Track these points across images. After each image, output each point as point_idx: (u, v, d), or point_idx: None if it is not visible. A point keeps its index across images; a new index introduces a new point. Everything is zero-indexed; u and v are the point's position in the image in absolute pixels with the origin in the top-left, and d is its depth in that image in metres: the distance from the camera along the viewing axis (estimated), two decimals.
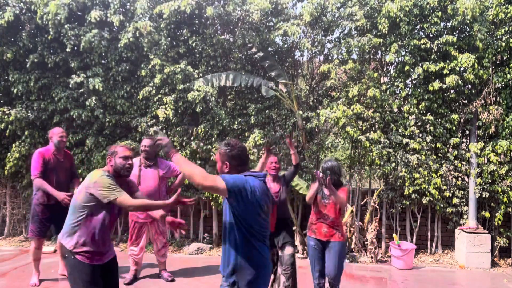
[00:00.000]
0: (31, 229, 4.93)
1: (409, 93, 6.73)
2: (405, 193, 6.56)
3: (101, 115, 6.76)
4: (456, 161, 6.54)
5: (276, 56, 7.24)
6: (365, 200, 6.88)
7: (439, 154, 6.62)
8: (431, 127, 6.49)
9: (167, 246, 5.43)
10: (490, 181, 6.39)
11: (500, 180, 6.35)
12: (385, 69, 7.12)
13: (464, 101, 6.74)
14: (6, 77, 7.10)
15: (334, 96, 7.06)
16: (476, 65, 6.20)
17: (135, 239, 5.17)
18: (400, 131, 6.58)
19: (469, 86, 6.61)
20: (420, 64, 6.42)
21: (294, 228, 4.96)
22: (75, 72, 6.83)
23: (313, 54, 7.31)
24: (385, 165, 6.50)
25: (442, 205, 6.52)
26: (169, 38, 6.88)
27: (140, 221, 5.12)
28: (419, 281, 5.63)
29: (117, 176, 3.14)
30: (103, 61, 7.04)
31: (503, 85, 6.45)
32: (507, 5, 6.28)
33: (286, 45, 7.15)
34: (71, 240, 3.00)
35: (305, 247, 6.59)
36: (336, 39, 7.15)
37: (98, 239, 3.03)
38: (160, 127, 6.87)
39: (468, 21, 6.23)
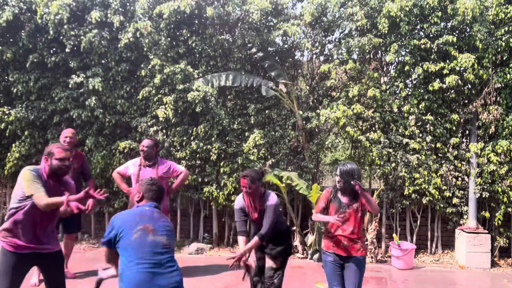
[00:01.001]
0: None
1: (409, 93, 6.73)
2: (405, 193, 6.56)
3: (101, 115, 6.76)
4: (456, 161, 6.54)
5: (276, 57, 7.24)
6: None
7: (439, 154, 6.62)
8: (431, 127, 6.49)
9: None
10: (490, 181, 6.39)
11: (500, 180, 6.35)
12: (385, 69, 7.12)
13: (464, 101, 6.74)
14: (6, 77, 7.10)
15: (334, 96, 7.06)
16: (476, 65, 6.20)
17: None
18: (400, 131, 6.58)
19: (469, 86, 6.61)
20: (420, 64, 6.42)
21: (293, 241, 3.93)
22: (75, 72, 6.83)
23: (314, 55, 7.32)
24: (385, 165, 6.50)
25: (442, 205, 6.52)
26: (169, 38, 6.88)
27: None
28: (419, 281, 5.62)
29: (53, 175, 3.23)
30: (103, 61, 7.04)
31: (503, 85, 6.45)
32: (507, 5, 6.28)
33: (286, 45, 7.15)
34: (1, 227, 3.16)
35: (305, 247, 6.59)
36: (337, 39, 7.15)
37: (23, 232, 3.10)
38: (160, 127, 6.87)
39: (468, 21, 6.23)
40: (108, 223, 7.75)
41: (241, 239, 3.69)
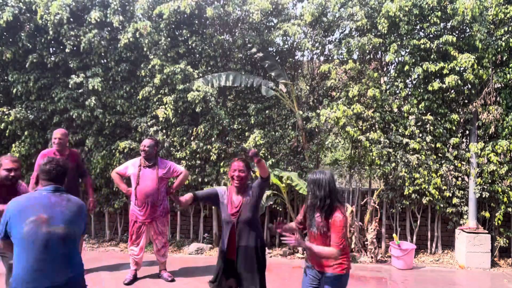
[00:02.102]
0: None
1: (409, 93, 6.73)
2: (405, 193, 6.56)
3: (101, 115, 6.75)
4: (456, 161, 6.54)
5: (277, 57, 7.24)
6: (365, 200, 6.88)
7: (439, 154, 6.62)
8: (431, 127, 6.49)
9: (167, 246, 5.43)
10: (490, 181, 6.39)
11: (500, 180, 6.35)
12: (385, 69, 7.12)
13: (464, 101, 6.74)
14: (5, 77, 7.09)
15: (334, 96, 7.06)
16: (475, 65, 6.20)
17: (135, 238, 5.18)
18: (400, 131, 6.58)
19: (469, 86, 6.61)
20: (420, 64, 6.42)
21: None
22: (75, 72, 6.82)
23: (314, 55, 7.32)
24: (385, 165, 6.50)
25: (442, 205, 6.52)
26: (169, 38, 6.88)
27: (139, 221, 5.13)
28: (419, 281, 5.62)
29: (3, 185, 3.53)
30: (102, 61, 7.03)
31: (503, 85, 6.45)
32: (506, 5, 6.28)
33: (286, 46, 7.15)
34: None
35: None
36: (337, 40, 7.15)
37: None
38: (160, 127, 6.87)
39: (467, 21, 6.23)
40: (108, 223, 7.78)
41: (189, 194, 3.46)
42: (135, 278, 5.26)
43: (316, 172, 3.03)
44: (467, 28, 6.52)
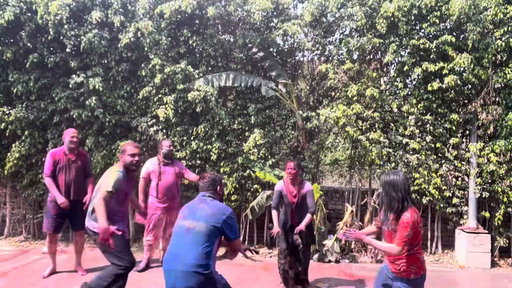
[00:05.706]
0: (44, 223, 5.31)
1: (409, 93, 6.74)
2: None
3: (101, 115, 6.75)
4: (456, 161, 6.54)
5: (277, 57, 7.25)
6: (365, 200, 6.89)
7: (439, 154, 6.63)
8: (431, 127, 6.49)
9: None
10: (490, 181, 6.40)
11: (500, 180, 6.36)
12: (384, 69, 7.12)
13: (464, 101, 6.74)
14: (6, 77, 7.09)
15: (334, 96, 7.06)
16: (474, 65, 6.20)
17: (152, 228, 5.60)
18: (400, 131, 6.59)
19: (469, 86, 6.62)
20: (419, 64, 6.42)
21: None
22: (75, 72, 6.82)
23: (314, 55, 7.33)
24: (385, 165, 6.50)
25: (442, 205, 6.52)
26: (169, 38, 6.89)
27: (159, 211, 5.55)
28: None
29: (128, 171, 3.91)
30: (103, 61, 7.03)
31: (503, 85, 6.45)
32: (506, 5, 6.28)
33: (286, 46, 7.16)
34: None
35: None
36: (337, 40, 7.16)
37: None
38: (160, 127, 6.87)
39: (463, 21, 6.23)
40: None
41: (274, 212, 4.80)
42: (147, 267, 5.61)
43: (389, 174, 3.06)
44: (466, 28, 6.52)
